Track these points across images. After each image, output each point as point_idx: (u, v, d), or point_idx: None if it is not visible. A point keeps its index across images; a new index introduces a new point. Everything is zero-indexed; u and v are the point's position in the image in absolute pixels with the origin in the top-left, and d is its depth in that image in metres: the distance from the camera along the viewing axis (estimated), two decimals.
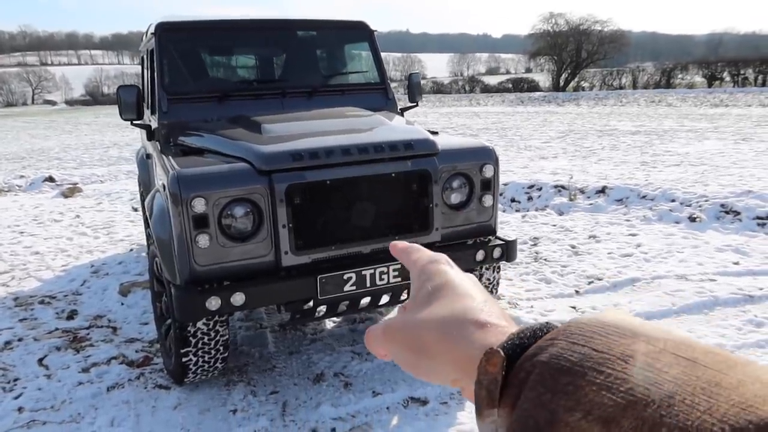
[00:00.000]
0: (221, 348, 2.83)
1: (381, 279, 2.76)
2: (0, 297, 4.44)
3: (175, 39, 3.61)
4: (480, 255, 3.00)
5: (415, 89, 4.17)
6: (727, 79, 31.87)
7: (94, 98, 71.88)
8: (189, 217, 2.46)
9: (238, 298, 2.52)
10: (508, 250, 3.07)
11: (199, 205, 2.46)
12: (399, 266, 2.78)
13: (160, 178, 2.89)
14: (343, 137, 2.81)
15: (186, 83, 3.62)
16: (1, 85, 79.08)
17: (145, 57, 4.27)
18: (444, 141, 3.04)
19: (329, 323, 3.74)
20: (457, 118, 21.71)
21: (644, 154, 9.89)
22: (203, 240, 2.49)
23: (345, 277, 2.69)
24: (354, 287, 2.72)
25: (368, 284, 2.74)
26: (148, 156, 4.18)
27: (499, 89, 41.31)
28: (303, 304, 2.75)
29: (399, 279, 2.80)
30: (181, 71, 3.64)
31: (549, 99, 31.22)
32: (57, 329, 3.77)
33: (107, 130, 24.98)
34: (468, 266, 3.05)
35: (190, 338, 2.73)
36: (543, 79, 42.92)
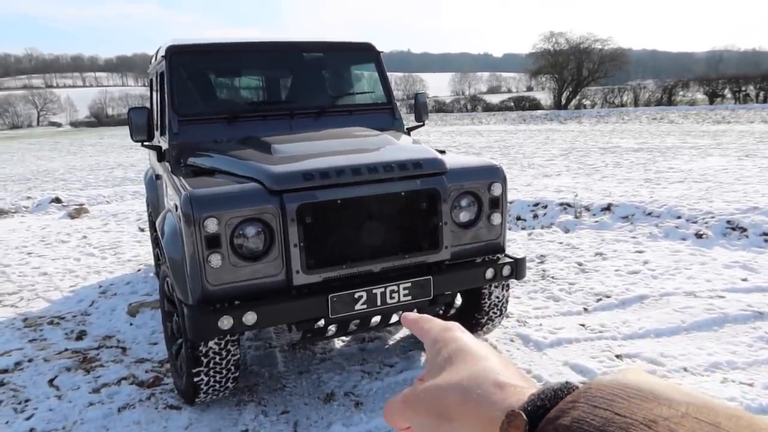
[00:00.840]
0: (232, 367, 2.84)
1: (391, 297, 2.77)
2: (9, 318, 4.45)
3: (185, 61, 3.66)
4: (489, 273, 3.01)
5: (421, 109, 4.21)
6: (729, 95, 31.96)
7: (98, 120, 72.59)
8: (201, 237, 2.48)
9: (250, 318, 2.53)
10: (518, 268, 3.09)
11: (211, 225, 2.48)
12: (409, 284, 2.80)
13: (172, 199, 2.92)
14: (352, 157, 2.84)
15: (196, 105, 3.67)
16: (7, 107, 79.89)
17: (154, 79, 4.33)
18: (452, 160, 3.06)
19: (338, 342, 3.74)
20: (460, 136, 21.81)
21: (648, 171, 9.91)
22: (215, 260, 2.51)
23: (356, 295, 2.70)
24: (365, 306, 2.72)
25: (379, 303, 2.75)
26: (158, 177, 4.22)
27: (501, 108, 41.53)
28: (314, 323, 2.76)
29: (409, 297, 2.81)
30: (191, 93, 3.69)
31: (551, 117, 31.37)
32: (67, 350, 3.78)
33: (112, 151, 25.17)
34: (477, 284, 3.07)
35: (202, 357, 2.73)
36: (544, 97, 43.15)
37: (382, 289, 2.74)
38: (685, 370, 3.16)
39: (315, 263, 2.66)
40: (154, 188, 4.73)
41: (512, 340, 3.65)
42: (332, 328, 2.84)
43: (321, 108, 3.83)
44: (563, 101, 40.32)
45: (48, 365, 3.53)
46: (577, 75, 40.41)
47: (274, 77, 4.29)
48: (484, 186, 3.02)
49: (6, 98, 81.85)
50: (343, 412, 2.92)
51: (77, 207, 8.81)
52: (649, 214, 6.03)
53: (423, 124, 4.21)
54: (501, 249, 3.15)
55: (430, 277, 2.84)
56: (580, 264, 4.98)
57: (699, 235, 5.36)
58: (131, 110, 3.55)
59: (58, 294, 5.00)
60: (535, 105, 41.36)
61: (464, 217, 3.02)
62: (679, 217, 5.78)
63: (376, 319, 2.92)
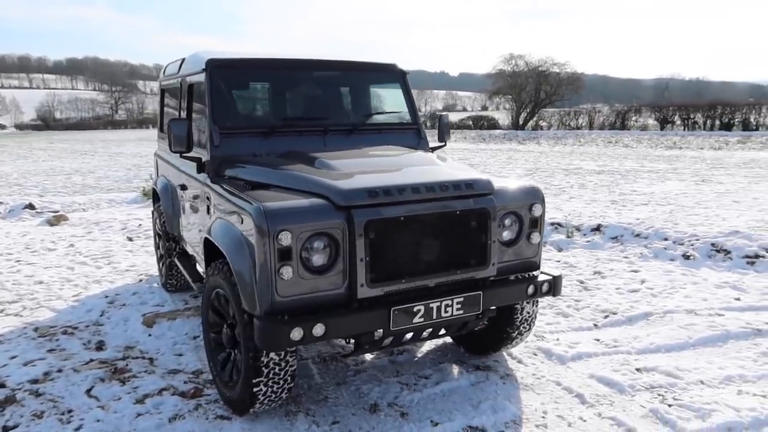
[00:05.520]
0: (289, 378, 2.89)
1: (446, 311, 2.90)
2: (18, 327, 4.33)
3: (224, 74, 3.71)
4: (531, 289, 3.19)
5: (444, 129, 4.39)
6: (678, 122, 33.70)
7: (45, 123, 69.96)
8: (274, 249, 2.55)
9: (318, 330, 2.61)
10: (555, 285, 3.28)
11: (285, 239, 2.55)
12: (462, 299, 2.93)
13: (230, 211, 2.95)
14: (409, 176, 2.98)
15: (235, 118, 3.73)
16: None
17: (177, 90, 4.35)
18: (497, 181, 3.24)
19: (368, 355, 3.82)
20: None
21: (612, 192, 10.36)
22: (287, 272, 2.58)
23: (415, 309, 2.82)
24: (422, 319, 2.85)
25: (434, 316, 2.87)
26: (182, 187, 4.22)
27: (460, 126, 42.39)
28: (373, 335, 2.85)
29: (461, 312, 2.94)
30: (231, 106, 3.74)
31: (509, 137, 32.25)
32: (92, 360, 3.72)
33: (65, 156, 24.40)
34: (520, 299, 3.24)
35: (263, 368, 2.78)
36: (502, 117, 44.31)
37: (438, 303, 2.87)
38: (702, 383, 3.40)
39: (377, 277, 2.76)
40: (169, 197, 4.71)
41: (535, 354, 3.82)
42: (388, 340, 2.94)
43: (353, 125, 3.95)
44: (521, 122, 41.49)
45: (79, 375, 3.47)
46: (535, 97, 41.69)
47: (309, 94, 4.37)
48: (525, 206, 3.20)
49: None
50: (392, 422, 3.01)
51: (55, 214, 8.55)
52: (638, 235, 6.37)
53: (445, 144, 4.38)
54: (537, 266, 3.34)
55: (481, 292, 2.98)
56: (581, 282, 5.23)
57: (686, 257, 5.71)
58: (171, 122, 3.55)
59: (62, 303, 4.88)
60: (492, 124, 42.44)
61: (507, 235, 3.19)
62: (666, 239, 6.14)
63: (427, 331, 3.04)
